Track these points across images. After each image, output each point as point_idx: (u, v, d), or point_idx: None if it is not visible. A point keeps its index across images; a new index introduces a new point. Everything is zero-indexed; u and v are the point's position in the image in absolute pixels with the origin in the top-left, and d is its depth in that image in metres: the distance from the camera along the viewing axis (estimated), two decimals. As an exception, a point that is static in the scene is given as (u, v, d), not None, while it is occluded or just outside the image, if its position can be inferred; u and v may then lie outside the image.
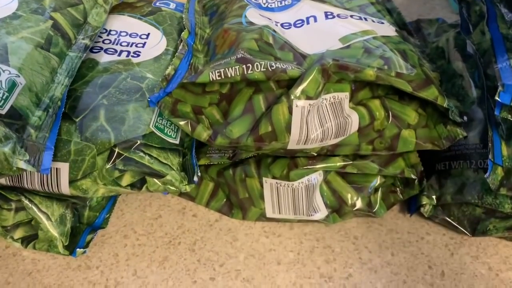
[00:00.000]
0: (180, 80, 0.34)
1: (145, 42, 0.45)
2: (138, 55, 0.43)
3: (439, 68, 0.47)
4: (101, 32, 0.45)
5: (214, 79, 0.33)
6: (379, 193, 0.39)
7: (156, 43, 0.45)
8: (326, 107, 0.33)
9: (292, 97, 0.32)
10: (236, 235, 0.39)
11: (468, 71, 0.44)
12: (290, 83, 0.33)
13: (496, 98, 0.30)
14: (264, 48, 0.36)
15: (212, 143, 0.33)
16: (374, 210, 0.38)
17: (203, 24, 0.44)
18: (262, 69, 0.33)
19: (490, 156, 0.32)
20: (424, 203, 0.39)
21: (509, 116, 0.31)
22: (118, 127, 0.36)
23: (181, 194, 0.42)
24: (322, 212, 0.38)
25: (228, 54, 0.35)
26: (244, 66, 0.33)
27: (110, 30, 0.46)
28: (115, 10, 0.49)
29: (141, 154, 0.35)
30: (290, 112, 0.32)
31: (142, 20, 0.47)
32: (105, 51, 0.43)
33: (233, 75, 0.33)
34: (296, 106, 0.32)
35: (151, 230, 0.40)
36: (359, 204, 0.38)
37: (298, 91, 0.32)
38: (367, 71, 0.33)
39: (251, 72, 0.33)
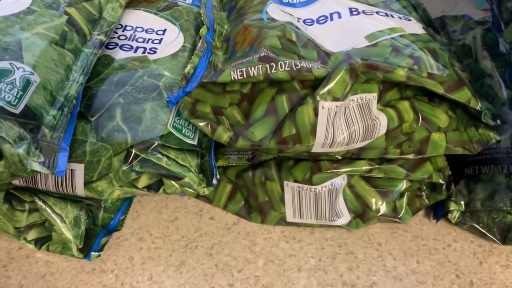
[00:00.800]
0: (200, 79, 0.32)
1: (161, 39, 0.43)
2: (155, 52, 0.41)
3: (466, 67, 0.45)
4: (116, 28, 0.44)
5: (236, 78, 0.31)
6: (405, 198, 0.37)
7: (173, 39, 0.43)
8: (353, 108, 0.32)
9: (318, 98, 0.30)
10: (255, 239, 0.38)
11: (498, 71, 0.42)
12: (315, 83, 0.32)
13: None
14: (287, 46, 0.34)
15: (233, 145, 0.32)
16: (399, 216, 0.37)
17: (221, 20, 0.43)
18: (286, 69, 0.31)
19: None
20: (452, 209, 0.37)
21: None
22: (135, 127, 0.35)
23: (198, 196, 0.41)
24: (345, 217, 0.37)
25: (250, 52, 0.34)
26: (267, 65, 0.31)
27: (126, 26, 0.44)
28: (130, 4, 0.47)
29: (159, 155, 0.34)
30: (316, 114, 0.31)
31: (158, 15, 0.46)
32: (121, 47, 0.42)
33: (255, 74, 0.31)
34: (322, 107, 0.30)
35: (167, 233, 0.39)
36: (383, 209, 0.37)
37: (324, 91, 0.30)
38: (398, 72, 0.31)
39: (275, 71, 0.31)
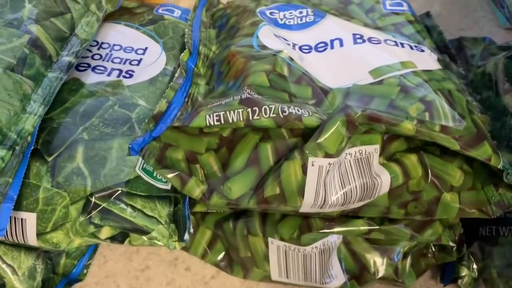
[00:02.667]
0: (171, 123, 0.27)
1: (140, 59, 0.38)
2: (131, 76, 0.37)
3: (485, 101, 0.40)
4: (91, 45, 0.39)
5: (212, 124, 0.26)
6: (409, 258, 0.32)
7: (153, 60, 0.38)
8: (350, 164, 0.27)
9: (308, 154, 0.25)
10: (235, 297, 0.33)
11: (523, 109, 0.36)
12: (307, 131, 0.27)
13: None
14: (277, 82, 0.29)
15: (206, 202, 0.27)
16: (401, 280, 0.32)
17: (209, 40, 0.38)
18: (271, 115, 0.26)
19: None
20: (462, 274, 0.32)
21: None
22: (98, 170, 0.30)
23: (174, 242, 0.36)
24: (339, 279, 0.32)
25: (232, 89, 0.29)
26: (249, 109, 0.26)
27: (102, 43, 0.39)
28: (111, 17, 0.42)
29: (122, 205, 0.30)
30: (304, 172, 0.26)
31: (140, 30, 0.41)
32: (93, 69, 0.37)
33: (235, 120, 0.26)
34: (312, 165, 0.25)
35: (136, 285, 0.34)
36: (383, 271, 0.32)
37: (315, 146, 0.25)
38: (405, 125, 0.26)
39: (258, 118, 0.26)
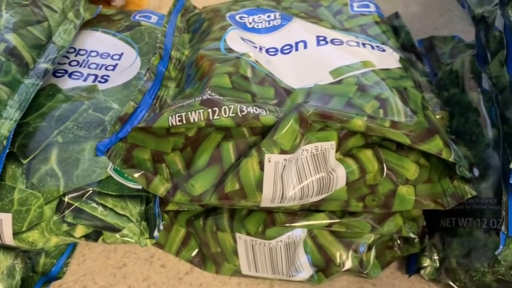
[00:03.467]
0: (137, 124, 0.29)
1: (116, 64, 0.40)
2: (106, 80, 0.38)
3: (451, 97, 0.41)
4: (68, 52, 0.40)
5: (174, 124, 0.28)
6: (373, 250, 0.33)
7: (128, 65, 0.40)
8: (307, 159, 0.28)
9: (264, 151, 0.27)
10: (208, 292, 0.35)
11: (485, 105, 0.38)
12: (266, 129, 0.28)
13: (511, 167, 0.24)
14: (239, 83, 0.30)
15: (170, 199, 0.28)
16: (366, 272, 0.33)
17: (182, 44, 0.39)
18: (230, 114, 0.27)
19: (503, 228, 0.26)
20: (425, 265, 0.33)
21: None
22: (70, 171, 0.32)
23: (150, 240, 0.37)
24: (306, 272, 0.33)
25: (196, 91, 0.30)
26: (209, 110, 0.28)
27: (80, 50, 0.41)
28: (88, 24, 0.44)
29: (94, 204, 0.31)
30: (262, 168, 0.27)
31: (117, 37, 0.42)
32: (70, 75, 0.38)
33: (196, 120, 0.28)
34: (269, 161, 0.27)
35: (113, 282, 0.35)
36: (349, 264, 0.33)
37: (271, 143, 0.27)
38: (355, 121, 0.27)
39: (218, 117, 0.27)
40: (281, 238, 0.31)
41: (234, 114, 0.27)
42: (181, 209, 0.34)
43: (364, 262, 0.33)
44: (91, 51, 0.41)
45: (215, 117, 0.27)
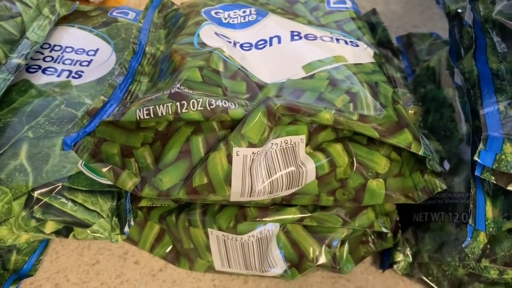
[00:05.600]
0: (105, 118, 0.28)
1: (91, 60, 0.40)
2: (80, 76, 0.38)
3: (428, 93, 0.41)
4: (43, 48, 0.40)
5: (142, 118, 0.27)
6: (346, 245, 0.33)
7: (103, 61, 0.40)
8: (276, 153, 0.28)
9: (232, 144, 0.27)
10: (181, 288, 0.34)
11: (459, 101, 0.38)
12: (235, 123, 0.28)
13: (476, 158, 0.24)
14: (210, 77, 0.30)
15: (138, 194, 0.28)
16: (339, 267, 0.33)
17: (158, 40, 0.39)
18: (199, 108, 0.27)
19: (470, 221, 0.26)
20: (398, 259, 0.33)
21: (493, 178, 0.25)
22: (40, 166, 0.31)
23: (124, 237, 0.37)
24: (279, 267, 0.33)
25: (167, 85, 0.30)
26: (178, 103, 0.27)
27: (54, 45, 0.41)
28: (65, 20, 0.44)
29: (63, 200, 0.31)
30: (230, 161, 0.27)
31: (93, 33, 0.42)
32: (44, 70, 0.38)
33: (164, 114, 0.27)
34: (237, 154, 0.27)
35: (86, 279, 0.35)
36: (322, 259, 0.33)
37: (239, 137, 0.26)
38: (323, 115, 0.27)
39: (186, 111, 0.27)
40: (253, 233, 0.31)
41: (202, 108, 0.27)
42: (154, 205, 0.34)
43: (337, 257, 0.33)
44: (66, 47, 0.40)
45: (183, 110, 0.27)
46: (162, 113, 0.27)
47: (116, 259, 0.36)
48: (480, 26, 0.30)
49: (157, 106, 0.27)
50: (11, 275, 0.34)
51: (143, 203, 0.34)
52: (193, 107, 0.27)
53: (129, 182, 0.28)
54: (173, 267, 0.35)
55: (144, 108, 0.27)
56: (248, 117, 0.27)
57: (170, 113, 0.27)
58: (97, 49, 0.40)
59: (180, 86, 0.29)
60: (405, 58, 0.48)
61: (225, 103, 0.28)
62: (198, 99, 0.27)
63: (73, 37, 0.42)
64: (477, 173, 0.25)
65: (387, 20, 0.54)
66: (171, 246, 0.35)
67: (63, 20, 0.43)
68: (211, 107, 0.27)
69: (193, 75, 0.30)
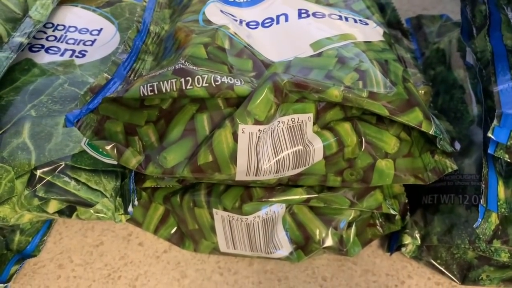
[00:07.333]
0: (109, 94, 0.28)
1: (95, 39, 0.39)
2: (84, 55, 0.37)
3: (437, 75, 0.40)
4: (46, 27, 0.39)
5: (146, 94, 0.27)
6: (354, 228, 0.33)
7: (107, 40, 0.39)
8: (283, 131, 0.27)
9: (238, 121, 0.26)
10: (186, 270, 0.34)
11: (470, 82, 0.37)
12: (241, 100, 0.27)
13: (489, 134, 0.24)
14: (216, 54, 0.29)
15: (142, 172, 0.27)
16: (346, 249, 0.32)
17: (162, 19, 0.38)
18: (204, 84, 0.27)
19: (482, 201, 0.26)
20: (406, 242, 0.32)
21: (506, 156, 0.24)
22: (43, 145, 0.31)
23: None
24: (285, 249, 0.32)
25: (171, 62, 0.29)
26: (182, 80, 0.27)
27: (57, 25, 0.40)
28: (68, 0, 0.43)
29: (66, 178, 0.30)
30: (235, 139, 0.26)
31: (97, 12, 0.41)
32: (47, 50, 0.37)
33: (168, 90, 0.27)
34: (243, 132, 0.26)
35: (89, 260, 0.35)
36: (328, 241, 0.32)
37: (244, 113, 0.26)
38: (332, 91, 0.26)
39: (191, 87, 0.27)
40: (259, 214, 0.31)
41: (207, 84, 0.26)
42: (158, 186, 0.34)
43: (344, 239, 0.32)
44: (70, 27, 0.40)
45: (188, 87, 0.27)
46: (166, 90, 0.27)
47: (120, 240, 0.36)
48: (494, 2, 0.29)
49: (161, 83, 0.27)
50: (14, 255, 0.34)
51: (147, 184, 0.34)
52: (198, 84, 0.27)
53: (132, 160, 0.28)
54: (178, 249, 0.35)
55: (148, 85, 0.27)
56: (254, 93, 0.26)
57: (175, 89, 0.27)
58: (101, 29, 0.40)
59: (185, 63, 0.28)
60: (415, 40, 0.47)
61: (230, 80, 0.27)
62: (203, 75, 0.27)
63: (76, 16, 0.41)
64: (490, 150, 0.25)
65: (396, 3, 0.53)
66: (175, 228, 0.35)
67: (66, 0, 0.43)
68: (217, 83, 0.27)
69: (198, 51, 0.29)
